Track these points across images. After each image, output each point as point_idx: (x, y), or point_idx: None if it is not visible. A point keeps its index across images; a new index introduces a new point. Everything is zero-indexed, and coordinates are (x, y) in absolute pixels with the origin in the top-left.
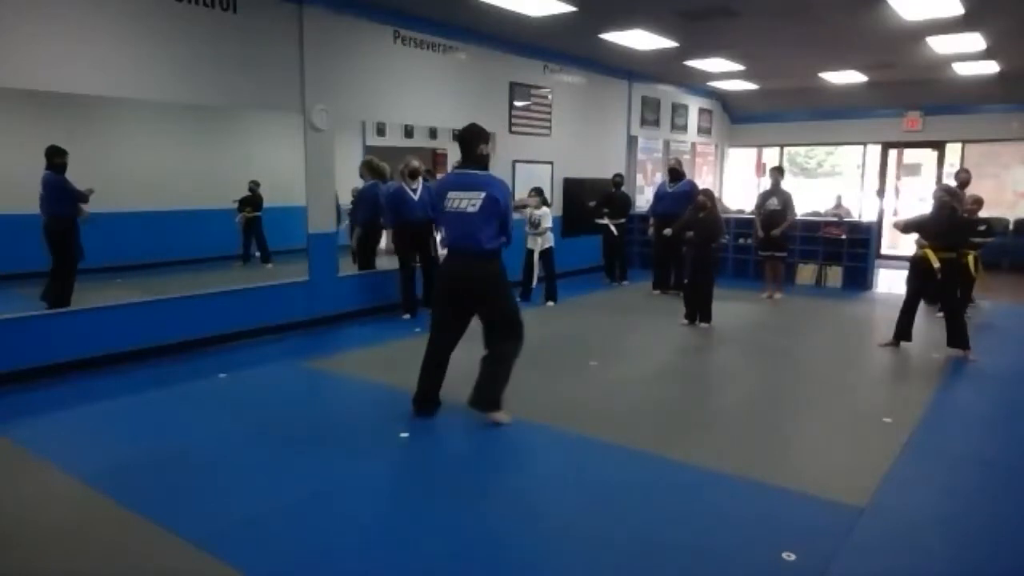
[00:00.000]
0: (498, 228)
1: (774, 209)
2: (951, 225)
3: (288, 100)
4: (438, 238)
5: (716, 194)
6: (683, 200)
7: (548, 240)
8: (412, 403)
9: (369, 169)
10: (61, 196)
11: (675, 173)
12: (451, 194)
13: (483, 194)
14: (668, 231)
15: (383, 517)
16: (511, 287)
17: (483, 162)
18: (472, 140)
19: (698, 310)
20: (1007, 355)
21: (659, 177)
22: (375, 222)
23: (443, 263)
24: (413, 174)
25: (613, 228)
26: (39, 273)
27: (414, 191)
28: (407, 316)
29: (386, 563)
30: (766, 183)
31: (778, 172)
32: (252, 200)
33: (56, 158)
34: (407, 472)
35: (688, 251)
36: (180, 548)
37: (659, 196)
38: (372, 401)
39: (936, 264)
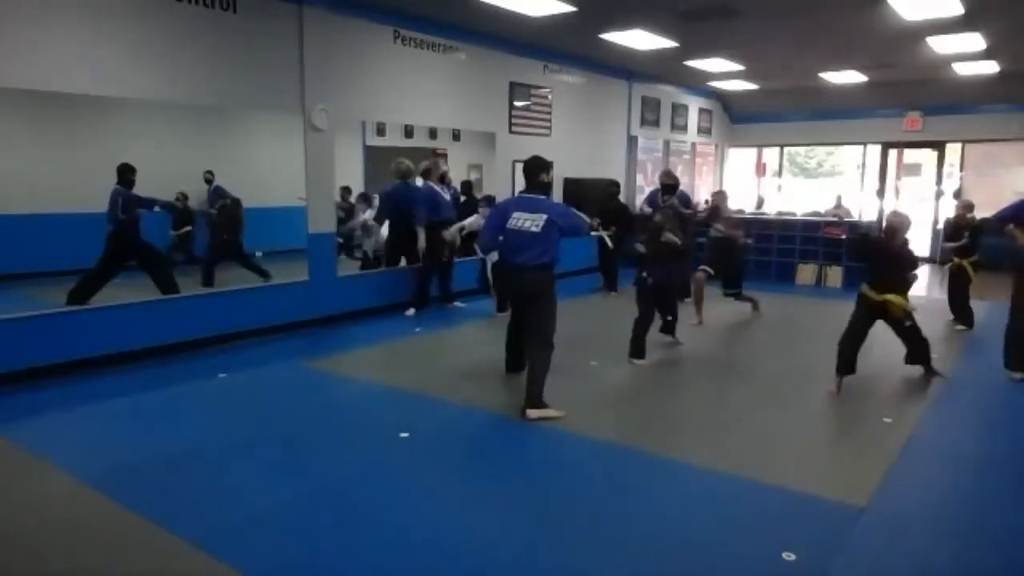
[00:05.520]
0: (557, 243)
1: (719, 236)
2: (896, 256)
3: (288, 100)
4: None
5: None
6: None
7: None
8: (506, 368)
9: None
10: (132, 208)
11: (668, 188)
12: (516, 214)
13: (545, 216)
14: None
15: (382, 517)
16: (557, 302)
17: (545, 188)
18: (536, 169)
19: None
20: None
21: (657, 181)
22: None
23: (504, 272)
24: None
25: (608, 240)
26: (39, 273)
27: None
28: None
29: (385, 563)
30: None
31: (720, 196)
32: (182, 214)
33: (129, 174)
34: (406, 472)
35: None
36: (179, 548)
37: (654, 208)
38: (372, 401)
39: (875, 299)
